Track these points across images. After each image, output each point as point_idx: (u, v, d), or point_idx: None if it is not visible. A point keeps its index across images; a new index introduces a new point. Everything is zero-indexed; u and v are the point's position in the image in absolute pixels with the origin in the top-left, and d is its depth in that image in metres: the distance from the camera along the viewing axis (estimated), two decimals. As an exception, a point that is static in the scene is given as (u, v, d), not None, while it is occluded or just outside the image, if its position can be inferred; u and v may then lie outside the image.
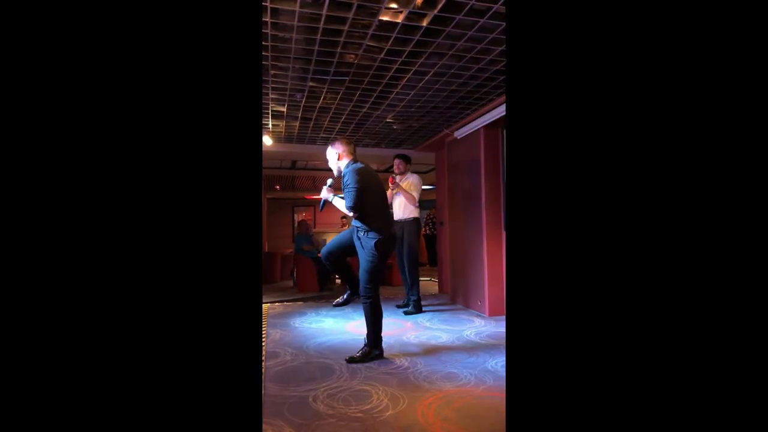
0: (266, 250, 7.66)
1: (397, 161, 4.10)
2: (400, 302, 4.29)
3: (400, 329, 3.34)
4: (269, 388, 2.12)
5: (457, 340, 3.01)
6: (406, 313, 3.88)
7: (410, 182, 4.00)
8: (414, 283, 3.97)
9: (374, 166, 7.42)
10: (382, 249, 2.52)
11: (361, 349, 2.58)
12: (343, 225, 10.72)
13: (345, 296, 2.77)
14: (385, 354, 2.64)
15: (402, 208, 3.98)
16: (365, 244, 2.50)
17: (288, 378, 2.27)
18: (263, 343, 2.96)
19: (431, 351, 2.74)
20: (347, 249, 2.63)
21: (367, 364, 2.47)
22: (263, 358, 2.63)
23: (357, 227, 2.54)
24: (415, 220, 4.00)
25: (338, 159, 2.59)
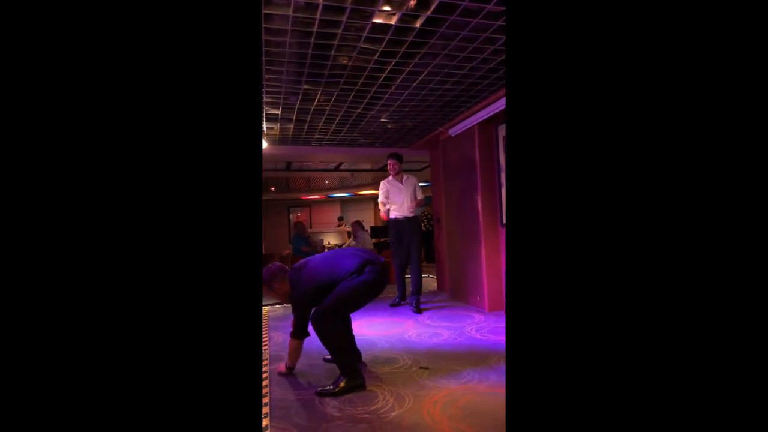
0: (264, 252, 7.64)
1: (392, 161, 4.10)
2: (394, 301, 4.23)
3: (402, 328, 3.36)
4: (275, 392, 2.13)
5: (458, 336, 3.03)
6: (416, 312, 3.86)
7: (414, 186, 4.05)
8: (419, 282, 3.99)
9: (368, 166, 7.47)
10: (381, 278, 2.26)
11: (334, 381, 2.15)
12: (339, 225, 10.67)
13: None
14: (388, 353, 2.66)
15: (406, 205, 3.99)
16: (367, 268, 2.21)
17: (293, 381, 2.29)
18: (266, 347, 2.97)
19: (433, 349, 2.76)
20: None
21: (370, 366, 2.48)
22: (266, 361, 2.63)
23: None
24: (416, 217, 4.07)
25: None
